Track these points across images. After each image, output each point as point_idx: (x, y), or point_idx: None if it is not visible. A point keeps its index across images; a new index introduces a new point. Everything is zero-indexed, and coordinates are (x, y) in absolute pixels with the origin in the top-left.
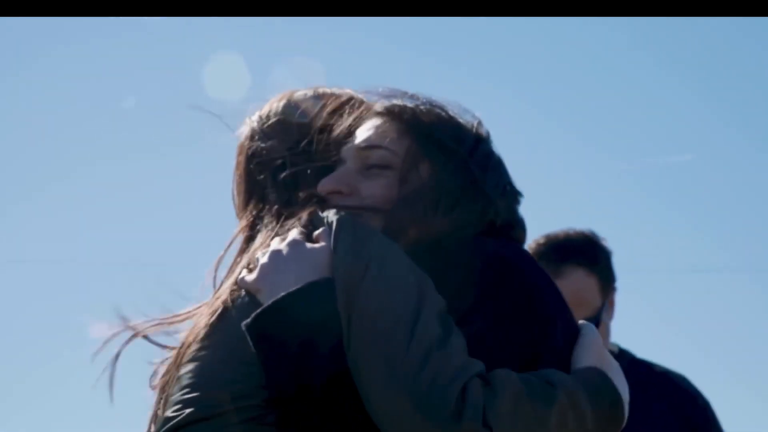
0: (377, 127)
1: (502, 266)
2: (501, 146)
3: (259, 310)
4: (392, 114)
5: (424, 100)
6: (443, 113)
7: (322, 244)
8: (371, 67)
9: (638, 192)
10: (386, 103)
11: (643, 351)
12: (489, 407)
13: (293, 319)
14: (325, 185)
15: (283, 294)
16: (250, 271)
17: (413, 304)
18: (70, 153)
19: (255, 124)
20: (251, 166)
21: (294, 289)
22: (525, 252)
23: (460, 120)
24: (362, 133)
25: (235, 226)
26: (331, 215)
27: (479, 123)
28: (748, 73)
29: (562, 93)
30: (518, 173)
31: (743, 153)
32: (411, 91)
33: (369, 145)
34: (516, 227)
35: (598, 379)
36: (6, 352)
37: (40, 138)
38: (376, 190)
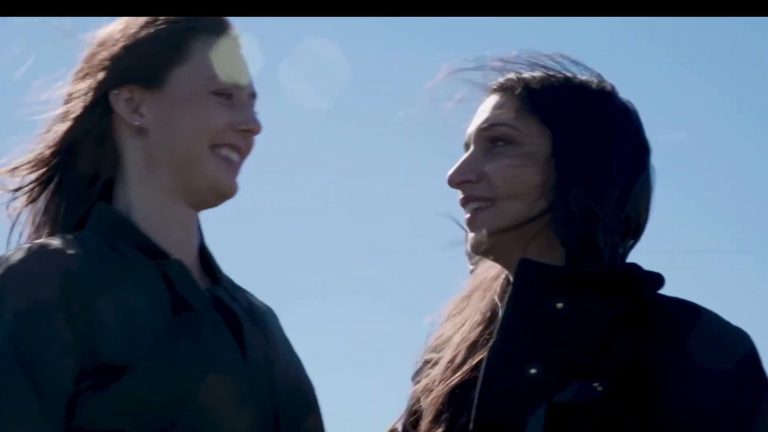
0: (495, 106)
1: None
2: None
3: None
4: (506, 89)
5: (539, 63)
6: (560, 77)
7: None
8: (388, 47)
9: None
10: (500, 79)
11: None
12: None
13: None
14: (454, 176)
15: None
16: None
17: None
18: None
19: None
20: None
21: None
22: None
23: (580, 79)
24: (481, 114)
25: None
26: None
27: (599, 77)
28: (743, 45)
29: None
30: None
31: (741, 129)
32: (518, 53)
33: (489, 125)
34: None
35: None
36: None
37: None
38: (503, 170)
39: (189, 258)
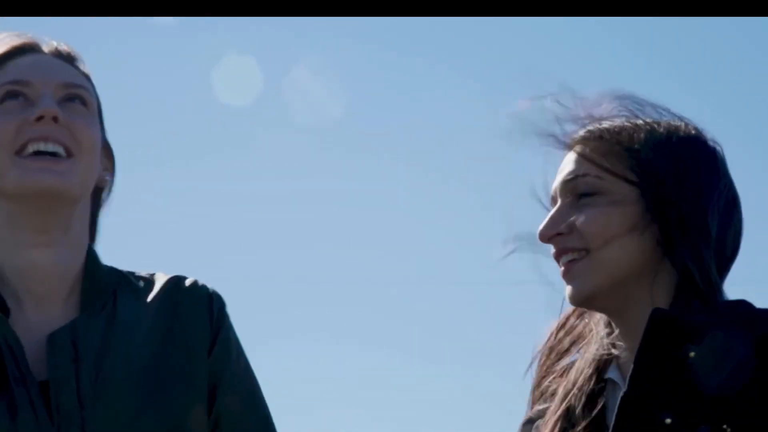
0: (578, 159)
1: None
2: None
3: None
4: (589, 141)
5: (619, 113)
6: (644, 124)
7: None
8: (389, 66)
9: None
10: (582, 132)
11: None
12: None
13: None
14: (545, 231)
15: None
16: None
17: None
18: None
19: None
20: None
21: None
22: None
23: (664, 125)
24: (565, 168)
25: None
26: None
27: (685, 122)
28: (732, 61)
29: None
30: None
31: (734, 156)
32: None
33: (574, 177)
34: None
35: None
36: None
37: None
38: (593, 219)
39: (51, 296)
